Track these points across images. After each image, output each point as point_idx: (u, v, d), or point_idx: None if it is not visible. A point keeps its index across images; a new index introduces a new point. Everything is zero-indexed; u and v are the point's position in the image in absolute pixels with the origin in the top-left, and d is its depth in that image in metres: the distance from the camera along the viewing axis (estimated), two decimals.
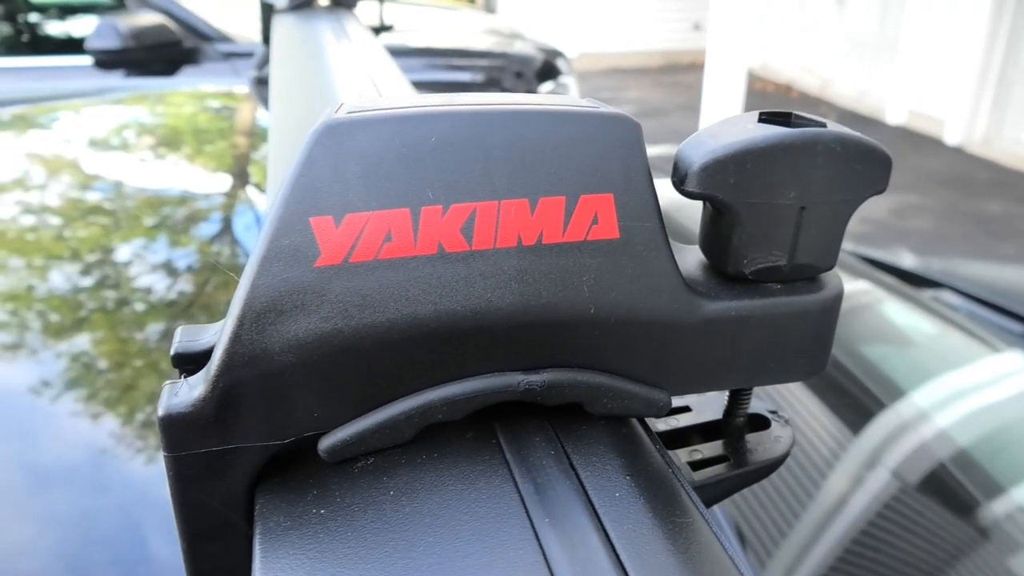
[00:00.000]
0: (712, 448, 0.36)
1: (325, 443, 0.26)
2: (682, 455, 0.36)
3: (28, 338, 0.79)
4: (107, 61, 2.49)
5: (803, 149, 0.27)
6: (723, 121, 0.29)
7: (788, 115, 0.29)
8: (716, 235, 0.30)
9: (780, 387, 0.91)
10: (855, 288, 1.21)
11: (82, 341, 0.81)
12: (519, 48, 3.48)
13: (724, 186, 0.27)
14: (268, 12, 1.18)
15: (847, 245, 1.48)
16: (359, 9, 1.15)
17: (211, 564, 0.27)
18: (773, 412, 0.38)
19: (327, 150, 0.25)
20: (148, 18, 2.56)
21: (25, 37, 2.89)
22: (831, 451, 0.83)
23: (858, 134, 0.28)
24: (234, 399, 0.25)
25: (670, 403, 0.30)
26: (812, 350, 0.32)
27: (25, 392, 0.72)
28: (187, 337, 0.27)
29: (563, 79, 3.47)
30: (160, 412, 0.24)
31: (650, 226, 0.27)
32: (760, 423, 0.38)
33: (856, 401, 0.93)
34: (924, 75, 6.26)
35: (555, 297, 0.26)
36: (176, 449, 0.25)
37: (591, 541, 0.23)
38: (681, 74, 8.35)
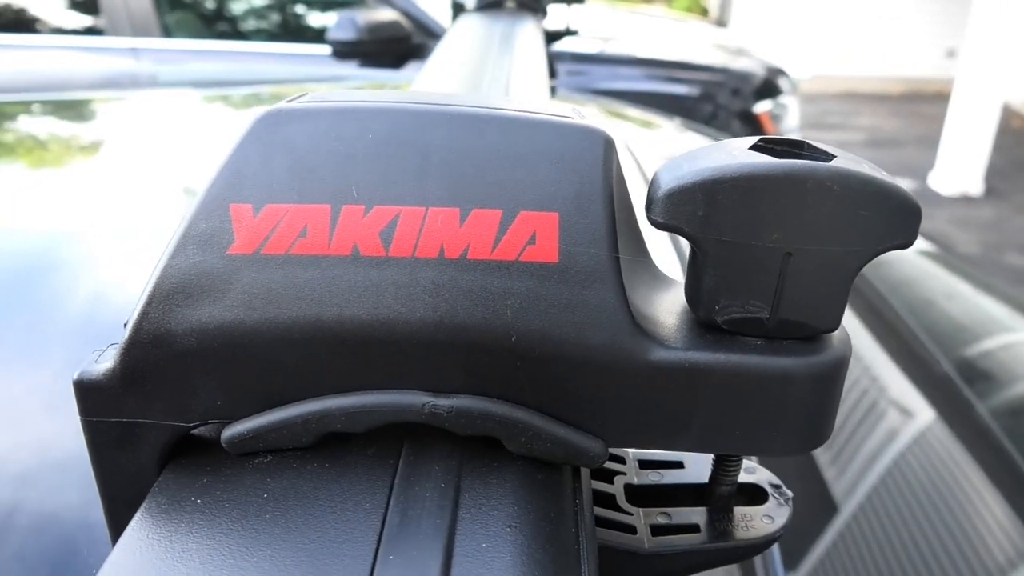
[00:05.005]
0: (689, 514, 0.32)
1: (226, 433, 0.26)
2: (648, 515, 0.32)
3: None
4: (343, 51, 2.70)
5: (787, 184, 0.23)
6: (713, 144, 0.26)
7: (799, 144, 0.25)
8: (691, 275, 0.26)
9: (946, 466, 0.80)
10: None
11: None
12: (741, 64, 3.37)
13: (691, 219, 0.24)
14: (459, 11, 1.22)
15: None
16: (576, 13, 1.15)
17: None
18: (776, 487, 0.33)
19: (261, 138, 0.24)
20: (385, 14, 2.75)
21: (288, 26, 3.21)
22: (1014, 554, 0.72)
23: (875, 174, 0.24)
24: (138, 375, 0.25)
25: (605, 453, 0.27)
26: (801, 422, 0.27)
27: None
28: None
29: (783, 99, 3.32)
30: (74, 376, 0.25)
31: (596, 253, 0.24)
32: (759, 496, 0.33)
33: None
34: None
35: (471, 318, 0.24)
36: (89, 414, 0.26)
37: None
38: (924, 104, 7.68)
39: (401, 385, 0.25)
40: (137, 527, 0.24)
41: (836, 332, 0.27)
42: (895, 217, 0.24)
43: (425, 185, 0.24)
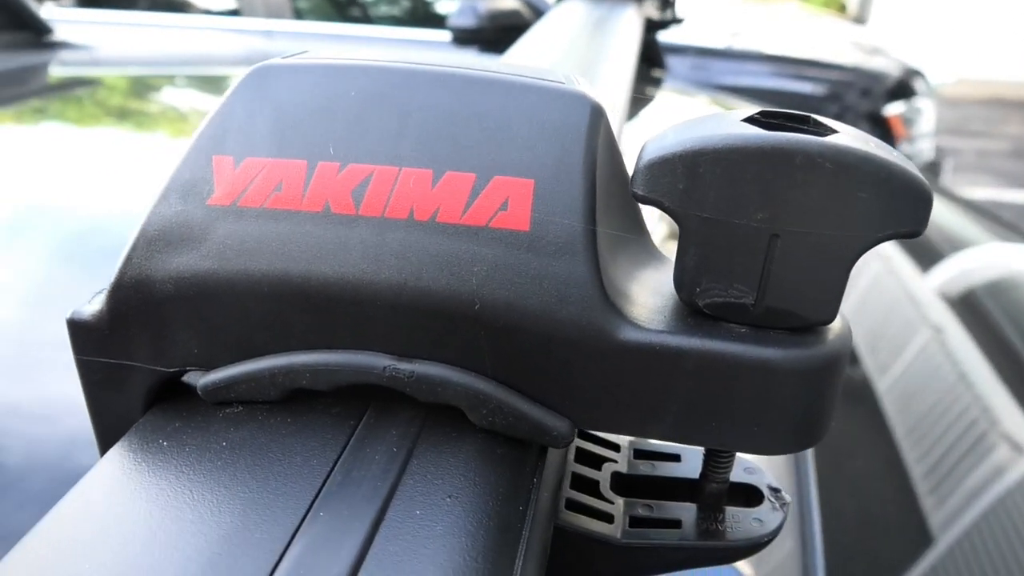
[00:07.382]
0: (675, 509, 0.30)
1: (201, 381, 0.26)
2: (630, 506, 0.30)
3: None
4: (463, 38, 2.74)
5: (774, 159, 0.21)
6: (709, 115, 0.24)
7: (803, 119, 0.23)
8: (677, 254, 0.25)
9: None
10: None
11: None
12: (874, 64, 3.21)
13: (672, 192, 0.23)
14: None
15: None
16: (682, 2, 1.13)
17: None
18: (775, 490, 0.31)
19: (249, 92, 0.25)
20: (505, 1, 2.77)
21: (415, 12, 3.29)
22: None
23: (879, 152, 0.21)
24: (122, 318, 0.26)
25: (571, 434, 0.25)
26: (786, 419, 0.25)
27: None
28: None
29: (917, 101, 3.14)
30: (67, 315, 0.26)
31: (570, 224, 0.23)
32: (757, 498, 0.31)
33: None
34: None
35: (436, 283, 0.23)
36: (80, 353, 0.27)
37: (342, 550, 0.21)
38: None
39: (366, 346, 0.25)
40: (105, 463, 0.25)
41: (834, 324, 0.25)
42: (899, 201, 0.22)
43: (401, 145, 0.24)
